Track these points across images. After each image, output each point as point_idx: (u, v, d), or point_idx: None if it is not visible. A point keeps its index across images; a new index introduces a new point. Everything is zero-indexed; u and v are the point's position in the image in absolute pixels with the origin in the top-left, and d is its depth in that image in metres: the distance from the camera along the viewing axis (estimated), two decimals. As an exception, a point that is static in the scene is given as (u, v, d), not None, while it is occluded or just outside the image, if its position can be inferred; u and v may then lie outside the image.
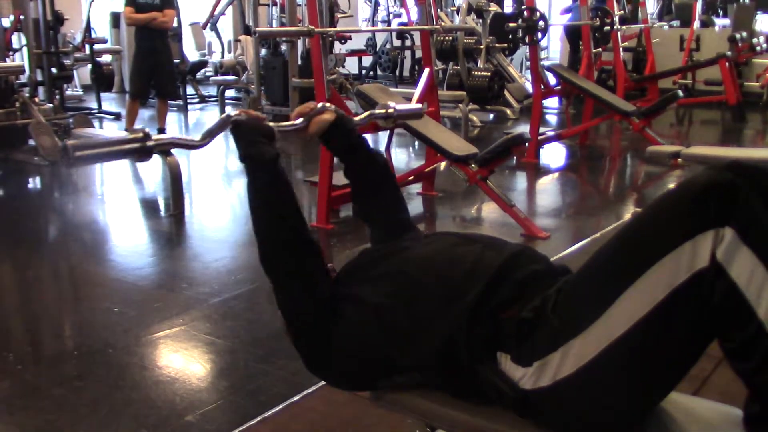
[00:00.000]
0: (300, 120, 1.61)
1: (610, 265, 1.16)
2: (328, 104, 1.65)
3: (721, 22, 10.90)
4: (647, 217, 1.15)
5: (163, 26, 6.41)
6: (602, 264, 1.18)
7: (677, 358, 1.13)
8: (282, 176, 1.45)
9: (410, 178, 4.69)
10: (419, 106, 2.09)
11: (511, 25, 6.46)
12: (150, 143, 1.39)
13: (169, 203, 4.53)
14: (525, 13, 6.21)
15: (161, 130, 6.73)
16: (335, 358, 1.40)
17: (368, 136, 6.99)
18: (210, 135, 1.52)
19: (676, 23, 10.85)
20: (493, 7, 9.12)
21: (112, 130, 7.22)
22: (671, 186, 4.67)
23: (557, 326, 1.17)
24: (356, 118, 1.79)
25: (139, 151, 1.38)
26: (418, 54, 10.65)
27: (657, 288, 1.07)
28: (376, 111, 1.83)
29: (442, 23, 7.97)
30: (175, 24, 9.14)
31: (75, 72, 9.31)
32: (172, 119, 8.81)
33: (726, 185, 1.06)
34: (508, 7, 10.21)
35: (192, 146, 1.53)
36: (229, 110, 1.54)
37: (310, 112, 1.61)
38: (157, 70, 6.54)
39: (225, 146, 7.28)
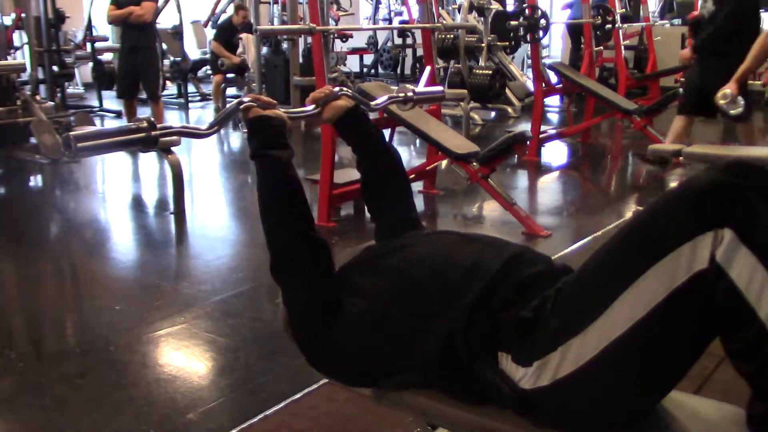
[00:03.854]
0: (313, 106, 1.56)
1: (610, 265, 1.16)
2: (345, 89, 1.60)
3: (722, 20, 10.86)
4: (647, 218, 1.15)
5: (140, 20, 6.09)
6: (601, 264, 1.18)
7: (677, 359, 1.13)
8: (293, 177, 1.42)
9: (411, 176, 4.69)
10: (440, 88, 2.02)
11: (512, 23, 6.46)
12: (155, 132, 1.33)
13: (170, 201, 4.53)
14: (526, 11, 6.20)
15: None
16: (336, 355, 1.40)
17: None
18: (219, 123, 1.47)
19: (677, 21, 10.84)
20: (495, 5, 9.11)
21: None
22: (672, 185, 4.63)
23: (557, 326, 1.17)
24: (374, 102, 1.73)
25: (145, 140, 1.32)
26: (420, 52, 10.64)
27: (656, 289, 1.07)
28: (396, 94, 1.78)
29: (444, 21, 7.95)
30: (176, 22, 9.17)
31: (76, 70, 9.31)
32: (173, 117, 8.81)
33: (725, 186, 1.06)
34: (510, 5, 10.20)
35: (199, 135, 1.47)
36: (242, 96, 1.48)
37: (325, 97, 1.56)
38: (140, 68, 6.25)
39: (226, 145, 7.28)
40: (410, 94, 1.77)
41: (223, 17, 9.91)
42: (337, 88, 1.59)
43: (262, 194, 1.41)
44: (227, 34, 8.81)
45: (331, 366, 1.44)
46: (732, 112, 3.55)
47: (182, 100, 9.51)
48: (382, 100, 1.76)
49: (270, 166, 1.41)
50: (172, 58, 9.41)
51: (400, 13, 12.09)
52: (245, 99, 1.45)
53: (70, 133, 1.25)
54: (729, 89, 3.40)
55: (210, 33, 10.94)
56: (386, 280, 1.37)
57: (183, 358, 2.57)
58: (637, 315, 1.08)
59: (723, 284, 1.04)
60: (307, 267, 1.38)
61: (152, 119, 1.35)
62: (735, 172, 1.08)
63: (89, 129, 1.29)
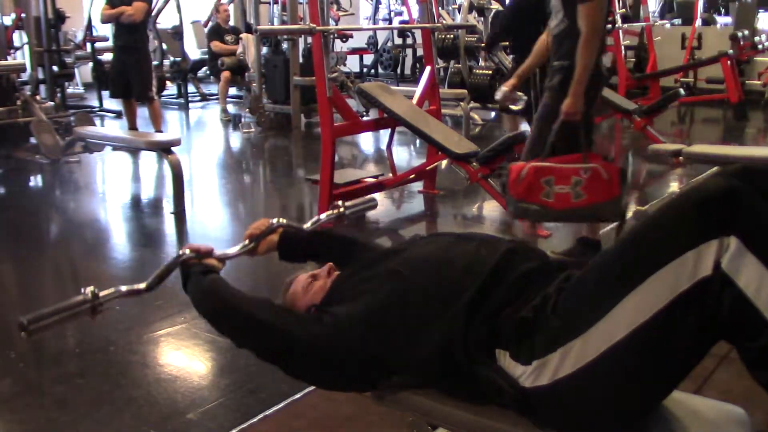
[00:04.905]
0: (246, 242, 1.68)
1: (614, 269, 1.16)
2: (281, 221, 1.70)
3: (722, 20, 10.90)
4: (653, 224, 1.15)
5: (130, 20, 6.06)
6: (605, 267, 1.18)
7: (678, 362, 1.13)
8: (220, 278, 1.54)
9: (411, 176, 4.69)
10: (371, 196, 2.10)
11: (512, 23, 6.43)
12: (99, 301, 1.43)
13: (170, 201, 4.53)
14: (526, 11, 6.19)
15: (158, 132, 6.69)
16: (334, 365, 1.39)
17: (369, 135, 7.00)
18: (159, 279, 1.57)
19: (677, 21, 10.84)
20: (495, 5, 9.11)
21: (113, 128, 7.21)
22: (673, 185, 4.62)
23: (557, 327, 1.17)
24: (305, 225, 1.82)
25: (91, 310, 1.43)
26: (420, 52, 10.64)
27: (659, 294, 1.07)
28: (330, 211, 1.86)
29: (444, 21, 7.95)
30: (176, 22, 9.16)
31: (76, 70, 9.30)
32: (174, 117, 8.81)
33: (730, 193, 1.06)
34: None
35: (141, 293, 1.56)
36: (180, 249, 1.62)
37: (260, 234, 1.67)
38: (129, 69, 6.22)
39: (226, 145, 7.28)
40: (342, 209, 1.85)
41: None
42: (274, 220, 1.70)
43: (203, 307, 1.51)
44: (219, 34, 8.84)
45: (332, 378, 1.45)
46: (512, 107, 3.77)
47: (182, 100, 9.50)
48: (311, 222, 1.83)
49: (197, 280, 1.52)
50: (172, 58, 9.40)
51: (400, 13, 12.09)
52: (187, 251, 1.58)
53: (24, 318, 1.39)
54: (505, 87, 3.49)
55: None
56: (384, 284, 1.37)
57: (183, 358, 2.57)
58: (640, 319, 1.08)
59: (731, 293, 1.04)
60: (262, 322, 1.45)
61: (96, 290, 1.43)
62: (741, 178, 1.08)
63: (40, 311, 1.41)
